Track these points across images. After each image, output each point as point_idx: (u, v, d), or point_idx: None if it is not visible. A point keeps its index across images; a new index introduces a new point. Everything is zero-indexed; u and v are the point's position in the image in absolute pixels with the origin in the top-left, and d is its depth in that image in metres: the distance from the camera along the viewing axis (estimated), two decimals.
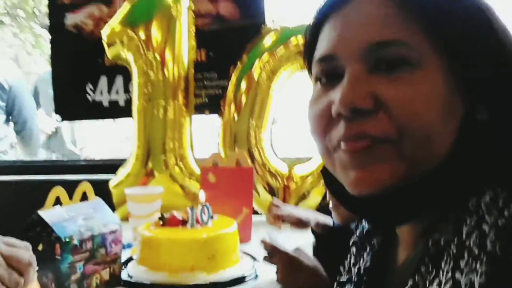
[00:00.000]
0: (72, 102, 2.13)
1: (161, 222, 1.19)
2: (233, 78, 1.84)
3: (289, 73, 1.82)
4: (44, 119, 2.86)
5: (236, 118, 1.82)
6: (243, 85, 1.81)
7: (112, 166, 1.93)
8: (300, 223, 1.34)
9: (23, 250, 0.82)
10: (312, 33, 0.61)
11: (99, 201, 1.15)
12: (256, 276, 1.14)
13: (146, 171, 1.82)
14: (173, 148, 1.81)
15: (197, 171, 1.83)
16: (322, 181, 1.77)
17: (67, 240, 1.00)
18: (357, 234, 0.74)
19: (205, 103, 2.02)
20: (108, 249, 1.08)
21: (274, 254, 1.05)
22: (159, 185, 1.66)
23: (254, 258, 1.22)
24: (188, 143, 1.85)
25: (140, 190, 1.54)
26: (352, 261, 0.71)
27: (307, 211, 1.42)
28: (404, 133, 0.52)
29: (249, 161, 1.58)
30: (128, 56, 1.84)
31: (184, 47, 1.86)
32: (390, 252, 0.64)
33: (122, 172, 1.85)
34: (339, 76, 0.55)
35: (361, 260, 0.68)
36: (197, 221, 1.18)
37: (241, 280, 1.12)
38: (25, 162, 2.64)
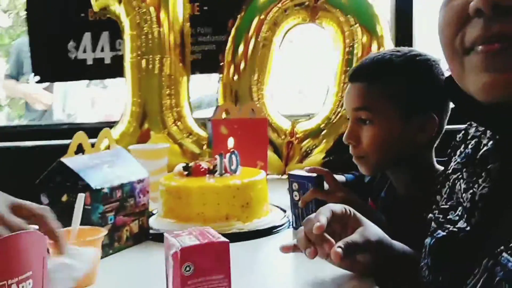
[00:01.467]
0: (52, 61, 1.98)
1: (185, 172, 1.11)
2: (231, 35, 1.75)
3: (291, 26, 1.76)
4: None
5: (236, 78, 1.74)
6: (242, 43, 1.73)
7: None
8: None
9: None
10: None
11: (121, 149, 1.05)
12: (290, 225, 1.08)
13: (141, 132, 1.72)
14: (170, 105, 1.72)
15: (196, 129, 1.75)
16: (324, 138, 1.73)
17: (98, 188, 0.91)
18: (459, 160, 0.71)
19: (199, 60, 1.92)
20: (137, 199, 0.99)
21: (333, 189, 0.99)
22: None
23: (283, 210, 1.17)
24: (186, 101, 1.76)
25: (147, 147, 1.45)
26: (463, 186, 0.67)
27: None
28: None
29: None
30: (119, 9, 1.72)
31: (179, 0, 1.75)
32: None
33: (115, 133, 1.74)
34: None
35: (476, 186, 0.64)
36: (225, 170, 1.10)
37: (277, 228, 1.06)
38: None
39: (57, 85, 2.69)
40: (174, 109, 1.72)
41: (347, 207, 0.75)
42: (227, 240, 0.48)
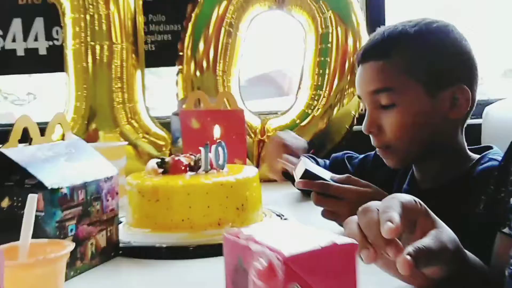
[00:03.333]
0: None
1: (160, 170, 0.88)
2: (191, 23, 1.54)
3: (258, 13, 1.58)
4: None
5: (198, 75, 1.53)
6: (202, 34, 1.52)
7: None
8: None
9: None
10: None
11: (79, 139, 0.81)
12: None
13: (88, 133, 1.46)
14: (123, 100, 1.47)
15: (154, 128, 1.51)
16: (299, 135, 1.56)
17: (54, 187, 0.66)
18: None
19: (153, 52, 1.69)
20: (104, 203, 0.75)
21: (342, 194, 0.80)
22: None
23: (278, 214, 0.96)
24: (140, 96, 1.52)
25: (101, 145, 1.20)
26: None
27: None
28: None
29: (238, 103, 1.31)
30: None
31: None
32: None
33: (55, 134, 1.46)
34: None
35: None
36: (211, 166, 0.89)
37: None
38: None
39: None
40: (127, 105, 1.48)
41: (417, 200, 0.56)
42: (354, 241, 0.28)
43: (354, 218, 0.54)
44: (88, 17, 1.44)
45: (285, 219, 0.93)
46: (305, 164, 0.81)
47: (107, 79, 1.45)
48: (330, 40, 1.55)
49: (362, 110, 1.56)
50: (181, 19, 1.58)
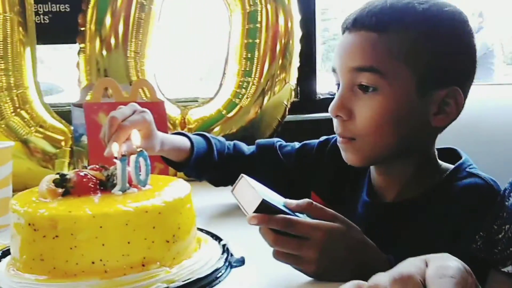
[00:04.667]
0: None
1: (60, 190, 0.65)
2: None
3: None
4: None
5: (105, 54, 1.28)
6: (108, 7, 1.28)
7: None
8: None
9: None
10: None
11: None
12: (242, 261, 0.70)
13: None
14: (8, 85, 1.19)
15: (49, 120, 1.25)
16: (225, 127, 1.38)
17: None
18: None
19: (46, 24, 1.40)
20: None
21: (309, 234, 0.62)
22: None
23: (216, 237, 0.78)
24: (31, 80, 1.24)
25: None
26: None
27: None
28: None
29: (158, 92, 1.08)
30: None
31: None
32: None
33: None
34: None
35: None
36: (130, 182, 0.68)
37: (221, 271, 0.67)
38: None
39: None
40: (14, 91, 1.19)
41: (467, 267, 0.39)
42: None
43: (382, 280, 0.37)
44: None
45: (224, 244, 0.74)
46: (254, 187, 0.61)
47: None
48: (259, 19, 1.37)
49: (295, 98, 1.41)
50: None
